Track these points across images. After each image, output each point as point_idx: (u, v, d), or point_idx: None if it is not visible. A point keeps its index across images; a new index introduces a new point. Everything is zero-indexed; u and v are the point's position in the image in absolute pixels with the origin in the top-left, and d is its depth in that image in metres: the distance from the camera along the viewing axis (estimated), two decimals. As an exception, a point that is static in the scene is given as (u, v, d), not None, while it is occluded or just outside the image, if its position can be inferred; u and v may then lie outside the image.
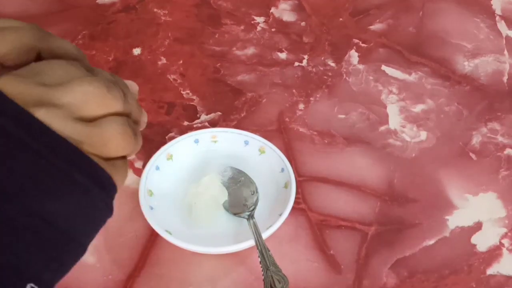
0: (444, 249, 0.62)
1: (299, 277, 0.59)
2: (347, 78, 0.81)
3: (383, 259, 0.61)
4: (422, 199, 0.66)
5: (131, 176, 0.67)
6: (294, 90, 0.79)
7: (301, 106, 0.77)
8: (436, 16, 0.92)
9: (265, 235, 0.57)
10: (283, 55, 0.84)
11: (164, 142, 0.67)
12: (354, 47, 0.86)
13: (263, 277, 0.54)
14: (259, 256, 0.55)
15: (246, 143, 0.67)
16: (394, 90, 0.79)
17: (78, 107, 0.31)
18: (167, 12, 0.91)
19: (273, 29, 0.88)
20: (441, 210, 0.66)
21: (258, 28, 0.88)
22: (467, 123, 0.76)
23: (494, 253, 0.62)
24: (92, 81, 0.32)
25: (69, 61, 0.34)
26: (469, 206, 0.66)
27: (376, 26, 0.90)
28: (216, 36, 0.87)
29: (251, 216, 0.59)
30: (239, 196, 0.63)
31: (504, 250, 0.62)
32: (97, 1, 0.92)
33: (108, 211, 0.36)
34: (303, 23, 0.90)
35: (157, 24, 0.89)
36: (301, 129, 0.74)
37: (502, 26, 0.90)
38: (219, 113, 0.75)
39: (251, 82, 0.80)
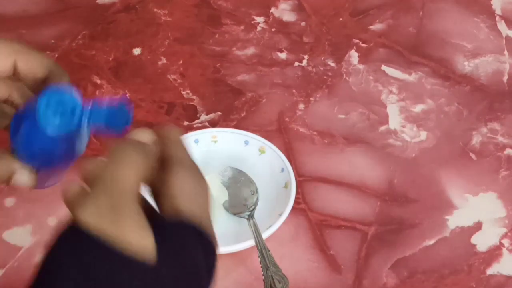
0: (444, 249, 0.62)
1: (299, 277, 0.58)
2: (347, 78, 0.81)
3: (383, 259, 0.61)
4: (422, 199, 0.66)
5: (131, 176, 0.67)
6: (294, 90, 0.79)
7: (301, 106, 0.77)
8: (436, 16, 0.92)
9: (265, 235, 0.57)
10: (283, 55, 0.84)
11: (164, 142, 0.66)
12: (354, 47, 0.86)
13: (263, 277, 0.54)
14: (259, 256, 0.55)
15: (246, 143, 0.67)
16: (394, 90, 0.79)
17: None
18: (167, 12, 0.91)
19: (273, 29, 0.88)
20: (441, 210, 0.65)
21: (258, 28, 0.88)
22: (467, 123, 0.76)
23: (494, 253, 0.62)
24: None
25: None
26: (469, 206, 0.66)
27: (376, 26, 0.90)
28: (216, 36, 0.87)
29: (251, 216, 0.59)
30: (239, 196, 0.63)
31: (504, 250, 0.62)
32: (97, 1, 0.92)
33: None
34: (303, 23, 0.90)
35: (157, 24, 0.89)
36: (301, 129, 0.74)
37: (502, 26, 0.90)
38: (219, 113, 0.75)
39: (251, 82, 0.80)
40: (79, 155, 0.42)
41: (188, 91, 0.78)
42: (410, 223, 0.64)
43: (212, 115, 0.75)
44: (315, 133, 0.73)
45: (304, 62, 0.83)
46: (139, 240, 0.30)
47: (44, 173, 0.42)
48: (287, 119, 0.75)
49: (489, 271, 0.60)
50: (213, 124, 0.74)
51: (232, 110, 0.76)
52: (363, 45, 0.86)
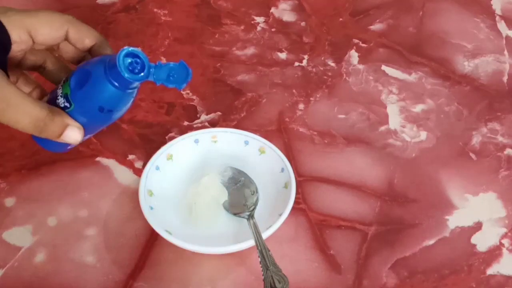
0: (444, 249, 0.62)
1: (299, 277, 0.59)
2: (347, 78, 0.81)
3: (383, 259, 0.61)
4: (422, 199, 0.66)
5: (131, 176, 0.67)
6: (294, 90, 0.79)
7: (301, 106, 0.77)
8: (436, 16, 0.92)
9: (265, 235, 0.57)
10: (283, 55, 0.84)
11: (164, 142, 0.67)
12: (354, 47, 0.86)
13: (263, 277, 0.54)
14: (259, 256, 0.55)
15: (246, 143, 0.67)
16: (394, 90, 0.79)
17: None
18: (167, 12, 0.91)
19: (273, 29, 0.88)
20: (441, 210, 0.66)
21: (258, 28, 0.88)
22: (467, 123, 0.76)
23: (494, 253, 0.62)
24: None
25: None
26: (469, 206, 0.66)
27: (376, 26, 0.90)
28: (216, 36, 0.87)
29: (251, 216, 0.59)
30: (239, 196, 0.63)
31: (504, 250, 0.62)
32: (97, 1, 0.92)
33: None
34: (303, 23, 0.90)
35: (157, 24, 0.89)
36: (301, 129, 0.74)
37: (502, 26, 0.90)
38: (219, 113, 0.75)
39: (251, 82, 0.80)
40: (121, 117, 0.49)
41: (188, 91, 0.78)
42: (410, 223, 0.64)
43: (212, 115, 0.75)
44: (315, 133, 0.73)
45: (304, 62, 0.83)
46: None
47: (89, 129, 0.48)
48: (287, 119, 0.75)
49: (489, 271, 0.60)
50: (213, 124, 0.74)
51: (232, 110, 0.76)
52: (363, 45, 0.86)
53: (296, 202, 0.62)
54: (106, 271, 0.59)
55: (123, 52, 0.44)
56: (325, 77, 0.81)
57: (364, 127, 0.74)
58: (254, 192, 0.63)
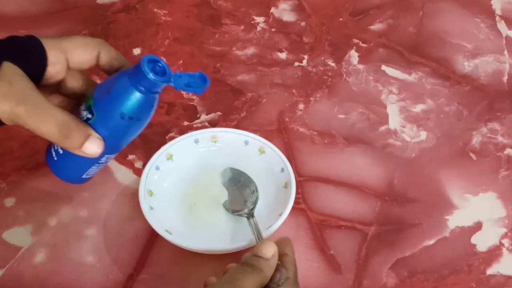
0: (444, 249, 0.62)
1: (299, 277, 0.58)
2: (347, 78, 0.81)
3: (383, 259, 0.61)
4: (422, 199, 0.66)
5: (131, 176, 0.67)
6: (294, 90, 0.79)
7: (301, 106, 0.77)
8: (436, 16, 0.92)
9: (265, 235, 0.57)
10: (283, 55, 0.84)
11: (164, 142, 0.67)
12: (354, 47, 0.86)
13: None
14: (259, 256, 0.55)
15: (246, 143, 0.67)
16: (394, 90, 0.79)
17: None
18: (167, 12, 0.91)
19: (273, 29, 0.88)
20: (441, 210, 0.66)
21: (258, 28, 0.88)
22: (467, 123, 0.76)
23: (494, 253, 0.62)
24: None
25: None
26: (469, 206, 0.66)
27: (376, 26, 0.90)
28: (216, 36, 0.87)
29: (251, 216, 0.59)
30: (239, 196, 0.63)
31: (504, 250, 0.62)
32: (97, 1, 0.92)
33: None
34: (303, 23, 0.90)
35: (157, 24, 0.89)
36: (301, 129, 0.74)
37: (502, 26, 0.90)
38: (219, 113, 0.75)
39: (251, 82, 0.80)
40: (142, 131, 0.51)
41: (188, 91, 0.78)
42: (410, 223, 0.64)
43: (212, 115, 0.75)
44: (315, 133, 0.73)
45: (304, 62, 0.83)
46: None
47: (109, 145, 0.50)
48: (287, 119, 0.75)
49: (489, 271, 0.60)
50: (213, 124, 0.74)
51: (232, 110, 0.76)
52: (363, 45, 0.86)
53: (296, 202, 0.62)
54: (106, 271, 0.59)
55: (147, 58, 0.47)
56: (325, 77, 0.81)
57: (364, 127, 0.74)
58: (254, 191, 0.63)
